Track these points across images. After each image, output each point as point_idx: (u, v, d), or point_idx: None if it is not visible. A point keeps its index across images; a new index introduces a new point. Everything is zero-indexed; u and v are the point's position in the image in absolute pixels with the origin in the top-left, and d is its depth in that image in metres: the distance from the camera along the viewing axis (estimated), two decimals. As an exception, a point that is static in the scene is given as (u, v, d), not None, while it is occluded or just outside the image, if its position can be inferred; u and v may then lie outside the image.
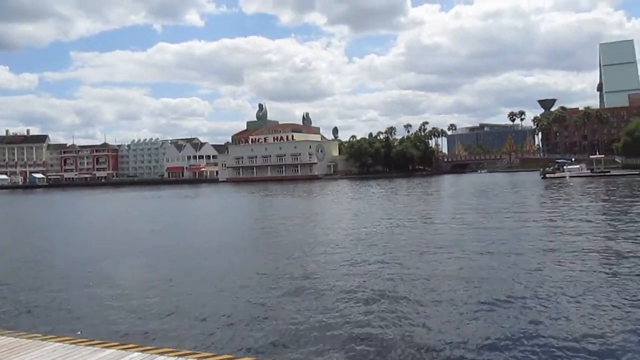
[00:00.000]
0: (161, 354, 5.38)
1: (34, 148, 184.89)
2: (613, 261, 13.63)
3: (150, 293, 11.89)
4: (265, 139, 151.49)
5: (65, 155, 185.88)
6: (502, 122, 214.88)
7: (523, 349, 7.59)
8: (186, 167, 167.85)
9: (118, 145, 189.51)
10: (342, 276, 12.91)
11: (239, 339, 8.38)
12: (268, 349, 7.95)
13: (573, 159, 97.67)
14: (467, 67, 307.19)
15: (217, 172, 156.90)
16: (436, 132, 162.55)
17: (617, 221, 22.49)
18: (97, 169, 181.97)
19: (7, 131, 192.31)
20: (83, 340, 6.03)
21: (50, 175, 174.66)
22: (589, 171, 77.53)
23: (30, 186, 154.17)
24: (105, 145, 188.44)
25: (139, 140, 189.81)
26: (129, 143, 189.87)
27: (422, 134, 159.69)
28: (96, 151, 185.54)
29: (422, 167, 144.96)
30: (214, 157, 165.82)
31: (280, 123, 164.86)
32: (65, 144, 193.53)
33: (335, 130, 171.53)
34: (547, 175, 76.85)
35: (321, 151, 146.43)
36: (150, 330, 8.99)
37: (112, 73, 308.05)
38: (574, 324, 8.53)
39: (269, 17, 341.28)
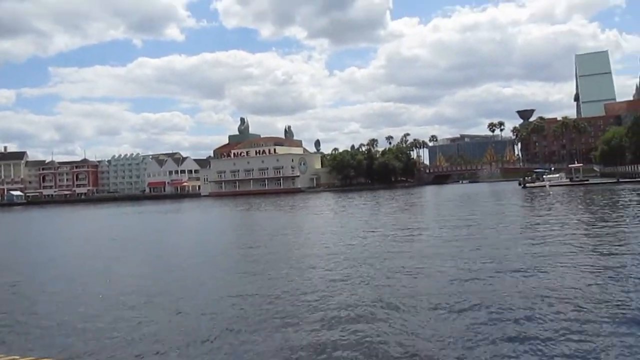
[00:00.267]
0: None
1: (11, 165, 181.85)
2: (595, 267, 13.67)
3: (113, 315, 11.59)
4: (247, 152, 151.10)
5: (44, 172, 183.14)
6: (482, 133, 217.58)
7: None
8: (168, 182, 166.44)
9: (98, 161, 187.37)
10: (323, 292, 12.73)
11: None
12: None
13: (552, 168, 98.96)
14: (447, 79, 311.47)
15: (199, 186, 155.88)
16: (417, 144, 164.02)
17: (597, 228, 22.69)
18: (76, 185, 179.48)
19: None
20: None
21: (28, 193, 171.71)
22: (568, 180, 78.51)
23: (7, 204, 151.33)
24: (85, 161, 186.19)
25: (120, 155, 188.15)
26: (109, 159, 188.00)
27: (404, 145, 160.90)
28: (76, 167, 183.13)
29: (404, 179, 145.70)
30: (195, 171, 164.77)
31: (262, 137, 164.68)
32: (44, 161, 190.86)
33: (317, 143, 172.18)
34: (527, 185, 77.62)
35: (304, 164, 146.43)
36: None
37: (91, 88, 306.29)
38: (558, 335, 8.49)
39: (250, 31, 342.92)
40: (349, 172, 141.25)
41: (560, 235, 20.81)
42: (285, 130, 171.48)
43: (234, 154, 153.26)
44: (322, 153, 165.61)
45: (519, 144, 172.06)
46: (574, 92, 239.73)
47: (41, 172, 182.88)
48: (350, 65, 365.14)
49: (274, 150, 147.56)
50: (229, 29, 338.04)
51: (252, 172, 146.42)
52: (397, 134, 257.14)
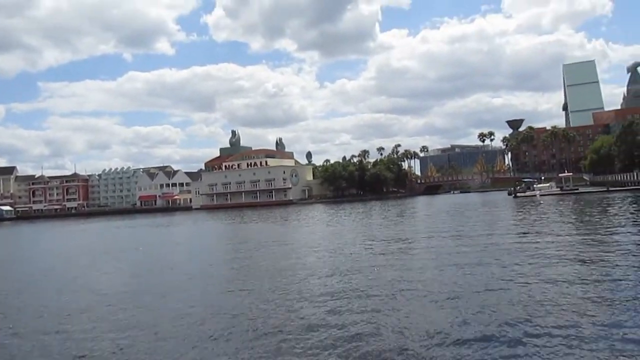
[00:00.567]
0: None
1: (1, 180, 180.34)
2: (589, 275, 13.68)
3: (104, 330, 11.43)
4: (238, 165, 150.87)
5: (34, 186, 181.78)
6: (473, 143, 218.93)
7: None
8: (159, 196, 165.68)
9: (88, 175, 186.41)
10: (316, 309, 12.62)
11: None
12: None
13: (543, 178, 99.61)
14: (436, 90, 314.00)
15: (190, 199, 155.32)
16: (409, 154, 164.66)
17: (589, 236, 22.76)
18: (67, 199, 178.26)
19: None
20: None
21: (18, 207, 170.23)
22: (559, 189, 78.95)
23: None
24: (75, 175, 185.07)
25: (110, 169, 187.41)
26: (100, 172, 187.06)
27: (395, 156, 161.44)
28: (66, 181, 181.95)
29: (396, 189, 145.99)
30: (187, 184, 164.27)
31: (253, 149, 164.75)
32: (34, 175, 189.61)
33: (309, 155, 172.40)
34: (518, 194, 77.97)
35: (295, 176, 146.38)
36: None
37: (81, 103, 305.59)
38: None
39: (240, 45, 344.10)
40: (340, 184, 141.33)
41: (554, 245, 20.85)
42: (277, 142, 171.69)
43: (225, 166, 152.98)
44: (313, 165, 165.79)
45: (509, 154, 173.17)
46: (563, 101, 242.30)
47: (31, 186, 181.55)
48: (340, 77, 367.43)
49: (266, 162, 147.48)
50: (219, 43, 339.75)
51: (244, 185, 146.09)
52: (388, 144, 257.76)
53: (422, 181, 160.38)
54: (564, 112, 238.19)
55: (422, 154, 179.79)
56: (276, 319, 11.42)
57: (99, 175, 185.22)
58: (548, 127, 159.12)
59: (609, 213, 37.04)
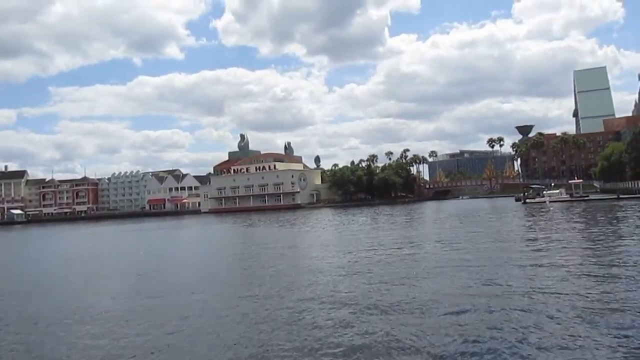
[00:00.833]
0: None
1: (12, 184, 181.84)
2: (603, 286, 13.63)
3: (116, 333, 11.53)
4: (247, 169, 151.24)
5: (44, 190, 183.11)
6: (482, 149, 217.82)
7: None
8: (168, 199, 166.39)
9: (98, 179, 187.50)
10: (330, 314, 12.66)
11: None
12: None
13: (552, 184, 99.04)
14: (446, 95, 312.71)
15: (199, 203, 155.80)
16: (417, 159, 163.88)
17: (601, 245, 22.64)
18: (76, 203, 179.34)
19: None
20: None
21: (29, 211, 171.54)
22: (569, 196, 78.42)
23: (8, 222, 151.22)
24: (85, 179, 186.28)
25: (120, 173, 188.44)
26: (109, 176, 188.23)
27: (404, 161, 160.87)
28: (76, 185, 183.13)
29: (404, 194, 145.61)
30: (195, 188, 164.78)
31: (262, 153, 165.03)
32: (44, 179, 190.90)
33: (317, 159, 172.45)
34: (528, 201, 77.56)
35: (304, 180, 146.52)
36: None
37: (91, 107, 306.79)
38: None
39: (249, 49, 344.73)
40: (349, 188, 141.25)
41: (566, 253, 20.77)
42: (285, 146, 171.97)
43: (234, 170, 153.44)
44: (322, 169, 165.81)
45: (519, 160, 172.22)
46: (573, 107, 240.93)
47: (41, 190, 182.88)
48: (349, 82, 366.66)
49: (274, 166, 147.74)
50: (228, 47, 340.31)
51: (252, 189, 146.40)
52: (397, 149, 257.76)
53: (431, 186, 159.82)
54: (574, 119, 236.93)
55: (430, 159, 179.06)
56: (284, 322, 11.47)
57: (109, 179, 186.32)
58: (558, 134, 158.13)
59: (619, 221, 36.79)
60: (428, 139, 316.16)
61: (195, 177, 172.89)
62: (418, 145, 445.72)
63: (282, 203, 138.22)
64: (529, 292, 13.12)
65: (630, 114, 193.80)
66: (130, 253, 35.23)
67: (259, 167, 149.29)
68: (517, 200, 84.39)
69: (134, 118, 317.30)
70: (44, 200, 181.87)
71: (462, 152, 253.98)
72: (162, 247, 40.22)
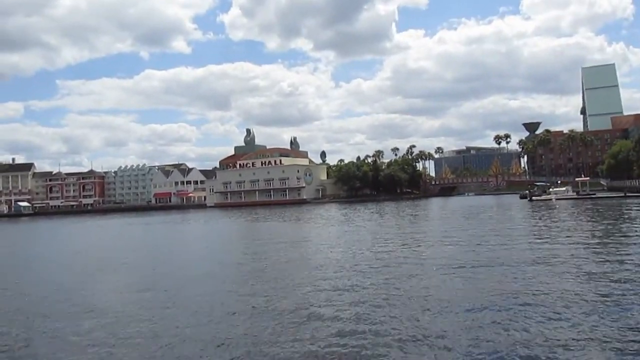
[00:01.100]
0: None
1: (19, 176, 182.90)
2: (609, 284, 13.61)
3: (127, 328, 11.61)
4: (253, 163, 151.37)
5: (51, 182, 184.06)
6: (488, 145, 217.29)
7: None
8: (174, 193, 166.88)
9: (105, 172, 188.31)
10: (335, 310, 12.70)
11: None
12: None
13: (559, 182, 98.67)
14: (453, 91, 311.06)
15: (204, 197, 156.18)
16: (423, 155, 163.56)
17: (608, 244, 22.58)
18: (83, 196, 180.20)
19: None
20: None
21: (36, 204, 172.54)
22: (575, 194, 78.10)
23: (15, 215, 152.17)
24: (91, 172, 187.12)
25: (126, 166, 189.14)
26: (116, 170, 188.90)
27: (410, 157, 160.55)
28: (82, 178, 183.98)
29: (410, 190, 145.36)
30: (201, 182, 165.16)
31: (268, 148, 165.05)
32: (51, 172, 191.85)
33: (323, 154, 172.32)
34: (534, 198, 77.29)
35: (309, 175, 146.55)
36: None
37: (98, 100, 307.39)
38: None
39: (256, 44, 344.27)
40: (354, 184, 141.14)
41: (573, 251, 20.74)
42: (291, 141, 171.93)
43: (240, 164, 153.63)
44: (327, 164, 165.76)
45: (525, 157, 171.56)
46: (581, 105, 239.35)
47: (48, 183, 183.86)
48: (356, 77, 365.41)
49: (280, 161, 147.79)
50: (235, 41, 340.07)
51: (258, 183, 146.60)
52: (403, 145, 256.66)
53: (437, 183, 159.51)
54: (582, 116, 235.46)
55: (437, 155, 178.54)
56: (292, 319, 11.53)
57: (115, 173, 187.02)
58: (565, 131, 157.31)
59: (626, 219, 36.64)
60: (434, 135, 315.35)
61: (201, 171, 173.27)
62: (424, 142, 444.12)
63: (287, 198, 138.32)
64: (539, 292, 13.12)
65: (639, 112, 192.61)
66: (137, 246, 35.42)
67: (265, 162, 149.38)
68: (522, 197, 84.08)
69: (140, 112, 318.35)
70: (50, 193, 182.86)
71: (468, 149, 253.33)
72: (169, 241, 40.40)
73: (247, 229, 49.28)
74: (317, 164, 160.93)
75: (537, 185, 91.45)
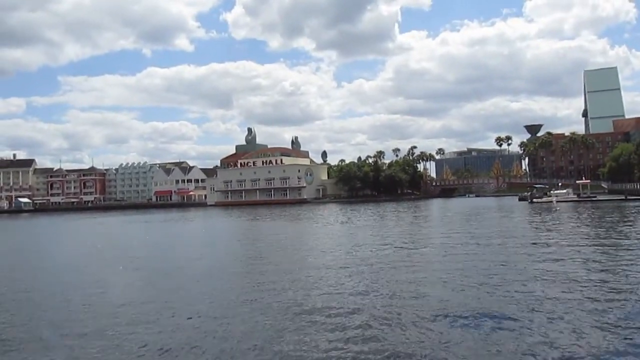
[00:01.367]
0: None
1: (20, 172, 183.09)
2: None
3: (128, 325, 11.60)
4: (254, 162, 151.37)
5: (52, 179, 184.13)
6: (490, 147, 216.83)
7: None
8: (174, 191, 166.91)
9: (106, 169, 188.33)
10: (333, 311, 12.68)
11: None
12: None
13: (560, 184, 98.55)
14: (455, 92, 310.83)
15: (205, 195, 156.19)
16: (424, 156, 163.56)
17: (605, 246, 22.55)
18: (84, 193, 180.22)
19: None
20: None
21: (36, 200, 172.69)
22: (576, 196, 78.06)
23: (15, 211, 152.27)
24: (92, 169, 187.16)
25: (127, 164, 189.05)
26: (117, 167, 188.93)
27: (411, 158, 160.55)
28: (83, 175, 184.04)
29: (410, 191, 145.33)
30: (202, 180, 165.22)
31: (269, 147, 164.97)
32: (52, 168, 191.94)
33: (324, 154, 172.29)
34: (535, 200, 77.22)
35: (310, 175, 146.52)
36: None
37: (100, 97, 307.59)
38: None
39: (258, 43, 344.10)
40: (355, 184, 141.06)
41: (575, 254, 20.72)
42: (292, 141, 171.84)
43: (241, 163, 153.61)
44: (328, 164, 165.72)
45: (527, 159, 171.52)
46: (583, 107, 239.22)
47: (49, 179, 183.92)
48: (358, 77, 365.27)
49: (281, 160, 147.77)
50: (238, 40, 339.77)
51: (259, 182, 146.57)
52: (404, 146, 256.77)
53: (438, 184, 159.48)
54: (583, 119, 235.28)
55: (438, 157, 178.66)
56: (293, 320, 11.51)
57: (116, 170, 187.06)
58: (567, 133, 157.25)
59: (626, 222, 36.60)
60: (436, 136, 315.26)
61: (202, 169, 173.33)
62: (426, 143, 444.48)
63: (288, 197, 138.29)
64: (545, 298, 13.10)
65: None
66: (138, 245, 35.41)
67: (266, 161, 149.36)
68: (521, 199, 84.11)
69: (142, 109, 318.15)
70: (51, 189, 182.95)
71: (469, 150, 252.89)
72: (170, 239, 40.40)
73: (249, 229, 49.26)
74: (318, 164, 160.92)
75: (536, 187, 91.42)
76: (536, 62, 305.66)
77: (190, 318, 11.75)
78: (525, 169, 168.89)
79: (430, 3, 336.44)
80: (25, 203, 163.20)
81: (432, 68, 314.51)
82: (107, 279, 18.67)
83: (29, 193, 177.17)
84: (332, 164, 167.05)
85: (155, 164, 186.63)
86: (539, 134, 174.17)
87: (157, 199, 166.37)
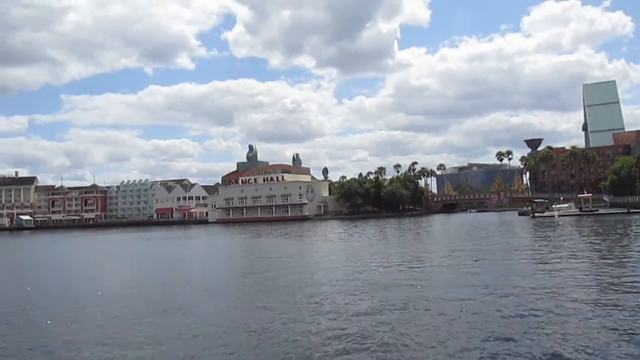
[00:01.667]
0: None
1: (22, 190, 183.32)
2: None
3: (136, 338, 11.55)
4: (255, 179, 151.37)
5: (54, 196, 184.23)
6: (490, 162, 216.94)
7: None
8: (175, 208, 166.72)
9: (107, 187, 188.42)
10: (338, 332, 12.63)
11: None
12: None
13: (562, 198, 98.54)
14: (455, 108, 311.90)
15: (206, 213, 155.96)
16: (425, 172, 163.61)
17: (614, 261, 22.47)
18: (85, 210, 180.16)
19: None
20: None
21: (37, 217, 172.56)
22: (578, 210, 77.99)
23: (16, 228, 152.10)
24: (94, 186, 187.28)
25: (128, 181, 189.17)
26: (118, 184, 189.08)
27: (412, 174, 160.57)
28: (85, 192, 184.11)
29: (412, 207, 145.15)
30: (203, 198, 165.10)
31: (270, 164, 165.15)
32: (54, 186, 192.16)
33: (325, 171, 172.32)
34: (536, 215, 77.15)
35: (311, 192, 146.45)
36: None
37: (102, 115, 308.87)
38: None
39: (259, 61, 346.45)
40: (356, 200, 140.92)
41: (575, 268, 20.64)
42: (294, 157, 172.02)
43: (242, 180, 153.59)
44: (329, 181, 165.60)
45: (527, 173, 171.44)
46: (582, 121, 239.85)
47: (50, 197, 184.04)
48: (358, 94, 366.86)
49: (282, 177, 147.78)
50: (239, 58, 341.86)
51: (260, 199, 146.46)
52: (405, 162, 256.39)
53: (439, 199, 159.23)
54: (583, 133, 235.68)
55: (439, 172, 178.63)
56: (293, 335, 11.45)
57: (118, 187, 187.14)
58: (567, 147, 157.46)
59: (631, 236, 36.49)
60: (436, 152, 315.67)
61: (204, 187, 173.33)
62: (426, 158, 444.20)
63: (289, 214, 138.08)
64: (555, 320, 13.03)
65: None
66: (141, 263, 35.33)
67: (267, 178, 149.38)
68: (521, 214, 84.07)
69: (144, 127, 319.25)
70: (52, 206, 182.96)
71: (470, 165, 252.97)
72: (172, 258, 40.26)
73: (250, 246, 49.13)
74: (319, 181, 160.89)
75: (536, 202, 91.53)
76: (535, 76, 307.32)
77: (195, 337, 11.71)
78: (526, 184, 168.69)
79: (429, 20, 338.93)
80: (26, 220, 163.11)
81: (432, 84, 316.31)
82: (111, 298, 18.62)
83: (31, 210, 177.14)
84: (333, 180, 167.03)
85: (157, 182, 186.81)
86: (539, 149, 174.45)
87: (158, 217, 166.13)
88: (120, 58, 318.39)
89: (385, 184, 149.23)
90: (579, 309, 13.01)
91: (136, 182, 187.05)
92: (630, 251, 26.36)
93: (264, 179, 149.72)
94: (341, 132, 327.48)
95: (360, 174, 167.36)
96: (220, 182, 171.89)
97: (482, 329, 11.38)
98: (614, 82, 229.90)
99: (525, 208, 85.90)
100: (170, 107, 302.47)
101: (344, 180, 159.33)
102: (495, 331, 11.02)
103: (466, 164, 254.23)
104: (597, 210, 77.78)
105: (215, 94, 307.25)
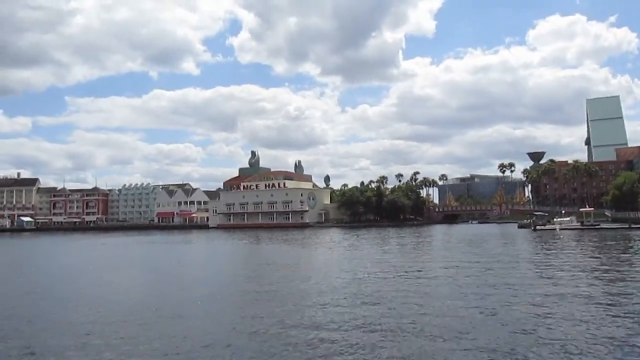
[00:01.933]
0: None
1: (23, 191, 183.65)
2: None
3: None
4: (257, 185, 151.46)
5: (55, 198, 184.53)
6: (492, 174, 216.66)
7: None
8: (177, 213, 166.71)
9: (109, 190, 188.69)
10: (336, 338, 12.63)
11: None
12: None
13: (563, 212, 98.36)
14: (458, 119, 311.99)
15: (207, 218, 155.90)
16: (427, 182, 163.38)
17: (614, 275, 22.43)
18: (86, 213, 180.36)
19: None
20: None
21: (39, 219, 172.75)
22: (579, 224, 77.81)
23: (17, 229, 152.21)
24: (95, 189, 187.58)
25: (130, 185, 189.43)
26: (120, 187, 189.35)
27: (414, 183, 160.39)
28: (86, 195, 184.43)
29: (413, 217, 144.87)
30: (205, 203, 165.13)
31: (272, 170, 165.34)
32: (56, 188, 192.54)
33: (327, 179, 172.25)
34: (538, 228, 77.01)
35: (313, 199, 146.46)
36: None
37: (106, 118, 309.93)
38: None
39: (264, 67, 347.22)
40: (357, 209, 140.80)
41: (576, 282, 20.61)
42: (296, 164, 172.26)
43: (244, 186, 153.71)
44: (331, 188, 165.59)
45: (529, 186, 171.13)
46: (585, 136, 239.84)
47: (52, 198, 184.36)
48: (362, 103, 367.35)
49: (284, 184, 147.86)
50: (244, 64, 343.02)
51: (261, 206, 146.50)
52: (407, 172, 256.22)
53: (440, 210, 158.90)
54: (586, 147, 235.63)
55: (441, 183, 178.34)
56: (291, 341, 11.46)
57: (119, 190, 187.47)
58: (570, 161, 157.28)
59: (632, 251, 36.44)
60: (439, 162, 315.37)
61: (205, 192, 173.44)
62: (429, 168, 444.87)
63: (290, 221, 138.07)
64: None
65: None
66: (143, 267, 35.33)
67: (269, 185, 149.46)
68: (521, 227, 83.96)
69: (147, 130, 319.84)
70: (54, 208, 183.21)
71: (472, 177, 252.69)
72: (173, 262, 40.26)
73: (251, 252, 49.10)
74: (320, 188, 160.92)
75: (536, 215, 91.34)
76: (539, 90, 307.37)
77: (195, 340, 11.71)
78: (528, 196, 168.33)
79: (434, 31, 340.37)
80: (27, 222, 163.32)
81: (436, 94, 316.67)
82: (115, 299, 18.63)
83: (32, 212, 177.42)
84: (335, 188, 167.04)
85: (158, 186, 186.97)
86: (541, 162, 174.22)
87: (159, 220, 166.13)
88: (125, 61, 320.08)
89: (387, 193, 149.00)
90: (578, 323, 13.00)
91: (138, 186, 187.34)
92: (633, 265, 26.32)
93: (265, 185, 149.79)
94: (344, 140, 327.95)
95: (362, 183, 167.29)
96: (222, 187, 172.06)
97: (480, 338, 11.38)
98: (617, 97, 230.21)
99: (526, 220, 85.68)
100: (174, 111, 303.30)
101: (346, 188, 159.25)
102: (495, 344, 11.01)
103: (468, 175, 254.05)
104: (598, 225, 77.58)
105: (219, 99, 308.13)
